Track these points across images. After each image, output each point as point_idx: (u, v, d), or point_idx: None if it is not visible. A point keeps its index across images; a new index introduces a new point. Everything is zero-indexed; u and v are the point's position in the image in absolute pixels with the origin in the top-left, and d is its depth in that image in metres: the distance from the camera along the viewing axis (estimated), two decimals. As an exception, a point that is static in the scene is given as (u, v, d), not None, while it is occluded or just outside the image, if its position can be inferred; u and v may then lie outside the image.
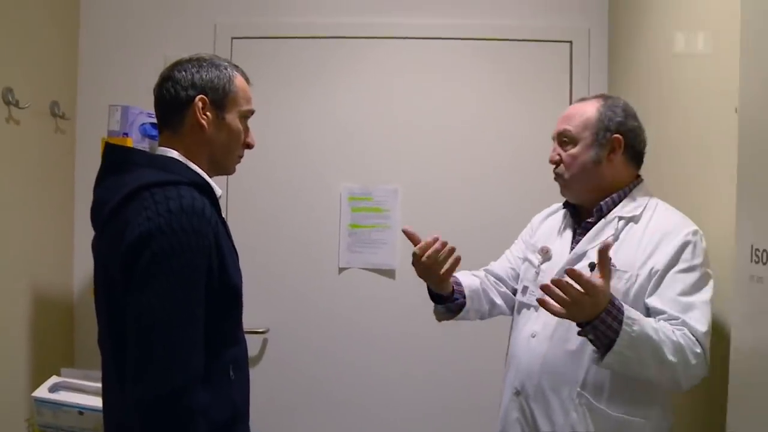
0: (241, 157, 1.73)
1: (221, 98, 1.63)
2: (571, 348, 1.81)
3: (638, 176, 1.96)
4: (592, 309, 1.58)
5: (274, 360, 3.01)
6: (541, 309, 1.67)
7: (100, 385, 1.66)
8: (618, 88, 2.84)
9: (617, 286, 1.75)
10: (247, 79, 1.71)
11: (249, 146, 1.73)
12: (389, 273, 3.00)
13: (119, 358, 1.45)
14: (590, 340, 1.65)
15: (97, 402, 1.85)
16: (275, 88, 3.02)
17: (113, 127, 2.48)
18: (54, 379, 2.23)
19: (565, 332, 1.83)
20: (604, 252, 1.59)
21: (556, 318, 1.67)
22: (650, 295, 1.76)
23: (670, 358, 1.61)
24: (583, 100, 1.99)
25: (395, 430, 2.99)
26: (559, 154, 1.94)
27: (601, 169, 1.89)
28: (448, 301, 2.11)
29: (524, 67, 3.01)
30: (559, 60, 3.00)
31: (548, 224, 2.15)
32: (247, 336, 2.85)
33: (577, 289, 1.56)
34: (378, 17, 3.02)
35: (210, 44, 2.97)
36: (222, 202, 2.90)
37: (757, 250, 1.41)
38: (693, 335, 1.65)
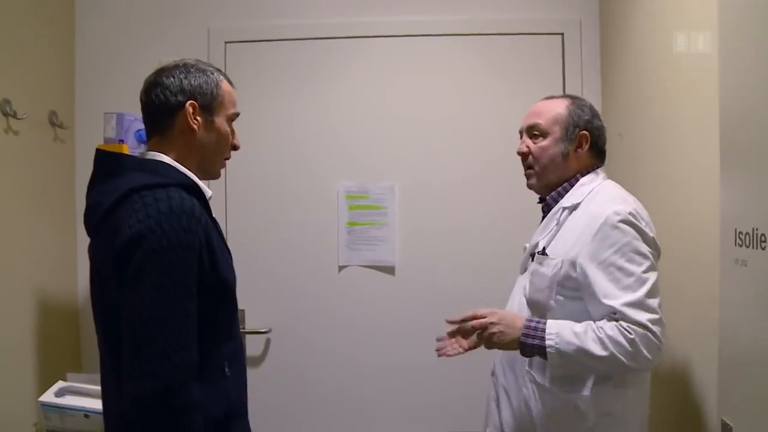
0: (227, 159, 1.77)
1: (210, 102, 1.67)
2: None
3: (595, 167, 2.03)
4: (512, 331, 1.80)
5: (277, 359, 3.04)
6: (512, 294, 2.11)
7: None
8: (611, 79, 2.86)
9: (546, 272, 1.90)
10: (231, 83, 1.74)
11: (235, 148, 1.77)
12: (389, 269, 3.02)
13: (115, 358, 1.49)
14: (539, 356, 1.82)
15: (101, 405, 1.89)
16: (270, 90, 3.05)
17: (109, 134, 2.51)
18: (60, 384, 2.27)
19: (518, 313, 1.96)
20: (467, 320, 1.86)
21: (517, 300, 2.02)
22: (588, 295, 1.82)
23: (601, 353, 1.72)
24: (550, 98, 2.09)
25: (398, 427, 3.01)
26: (528, 146, 2.04)
27: (568, 162, 2.00)
28: None
29: (516, 60, 3.02)
30: (551, 53, 3.01)
31: None
32: (249, 336, 3.02)
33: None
34: (369, 17, 3.04)
35: (204, 49, 3.00)
36: (220, 204, 3.01)
37: (740, 233, 1.44)
38: (627, 323, 1.72)
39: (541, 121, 2.01)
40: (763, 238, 1.35)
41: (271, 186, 3.06)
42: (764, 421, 1.37)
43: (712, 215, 1.68)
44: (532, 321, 1.82)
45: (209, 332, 1.55)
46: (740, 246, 1.44)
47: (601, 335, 1.72)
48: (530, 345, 1.78)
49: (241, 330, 2.90)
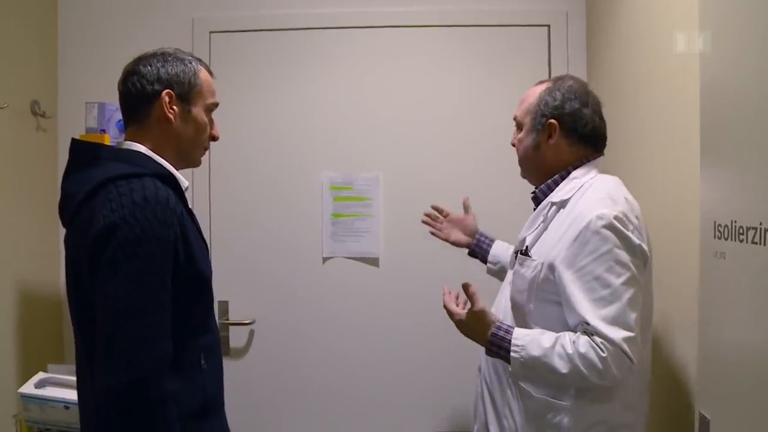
0: (206, 149, 1.75)
1: (187, 92, 1.66)
2: None
3: (590, 156, 1.92)
4: (478, 336, 1.81)
5: (261, 351, 3.03)
6: (501, 288, 2.05)
7: (81, 379, 1.68)
8: (597, 71, 2.85)
9: (526, 273, 1.84)
10: (210, 72, 1.73)
11: (214, 138, 1.76)
12: (373, 261, 3.02)
13: (89, 349, 1.47)
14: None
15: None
16: (255, 80, 3.03)
17: (90, 123, 2.49)
18: (40, 375, 2.26)
19: (500, 312, 1.94)
20: (466, 291, 1.82)
21: (505, 297, 1.97)
22: (563, 302, 1.74)
23: (564, 370, 1.66)
24: (540, 83, 2.00)
25: (384, 421, 3.01)
26: (514, 138, 2.02)
27: (542, 153, 1.92)
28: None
29: (502, 52, 3.01)
30: (538, 44, 3.00)
31: None
32: (233, 328, 3.01)
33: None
34: (354, 7, 3.03)
35: (188, 39, 2.97)
36: (204, 195, 3.00)
37: (719, 225, 1.43)
38: (600, 338, 1.63)
39: (518, 113, 1.98)
40: (741, 231, 1.34)
41: (255, 177, 3.04)
42: (742, 414, 1.37)
43: (694, 208, 1.67)
44: (500, 329, 1.77)
45: (185, 324, 1.54)
46: (719, 238, 1.43)
47: (570, 351, 1.65)
48: (495, 352, 1.77)
49: (225, 321, 2.97)
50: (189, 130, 1.67)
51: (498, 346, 1.75)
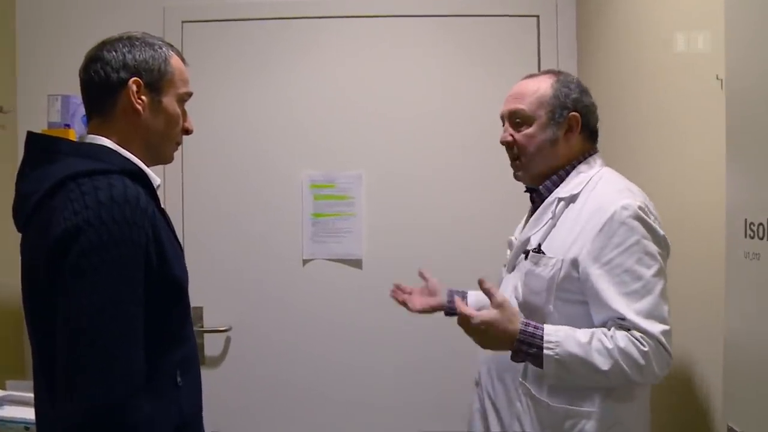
0: (179, 143, 1.60)
1: (157, 80, 1.50)
2: None
3: (589, 151, 1.84)
4: (503, 336, 1.61)
5: (237, 359, 2.89)
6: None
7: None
8: (588, 63, 2.76)
9: (543, 273, 1.72)
10: (183, 60, 1.57)
11: (187, 132, 1.60)
12: (355, 263, 2.89)
13: (48, 371, 1.30)
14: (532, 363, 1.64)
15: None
16: (229, 72, 2.89)
17: (53, 118, 2.31)
18: (-1, 393, 2.09)
19: None
20: (481, 285, 1.65)
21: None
22: (591, 299, 1.65)
23: (606, 367, 1.55)
24: (531, 76, 1.88)
25: (366, 426, 2.88)
26: (511, 135, 1.83)
27: (558, 150, 1.80)
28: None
29: (490, 43, 2.90)
30: (526, 35, 2.90)
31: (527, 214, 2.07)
32: (208, 335, 2.85)
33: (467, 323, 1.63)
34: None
35: (159, 28, 2.80)
36: (177, 195, 2.84)
37: (752, 224, 1.31)
38: (639, 333, 1.56)
39: (523, 106, 1.80)
40: (780, 229, 1.22)
41: (231, 174, 2.90)
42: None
43: (716, 205, 1.56)
44: (529, 325, 1.61)
45: (158, 338, 1.38)
46: (752, 238, 1.30)
47: (609, 346, 1.56)
48: (525, 352, 1.60)
49: (200, 328, 2.84)
50: (159, 123, 1.51)
51: (529, 344, 1.59)
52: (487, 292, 1.63)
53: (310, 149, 2.90)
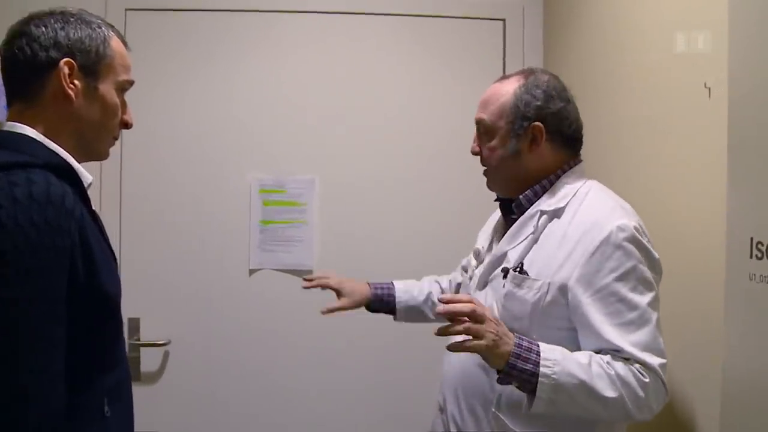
0: (116, 138, 1.41)
1: (94, 63, 1.31)
2: (483, 361, 1.49)
3: (572, 160, 1.69)
4: (497, 347, 1.39)
5: (176, 375, 2.68)
6: None
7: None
8: (556, 68, 2.63)
9: (526, 296, 1.56)
10: (125, 43, 1.38)
11: (127, 125, 1.41)
12: (306, 274, 2.62)
13: None
14: (517, 387, 1.46)
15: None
16: (175, 65, 2.68)
17: (-28, 106, 2.08)
18: None
19: None
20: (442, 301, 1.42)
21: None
22: (581, 328, 1.50)
23: (610, 394, 1.40)
24: (503, 78, 1.72)
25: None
26: (479, 146, 1.70)
27: (522, 163, 1.65)
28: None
29: (454, 46, 2.77)
30: (492, 39, 2.78)
31: (491, 221, 1.91)
32: (145, 349, 2.61)
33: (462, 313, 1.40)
34: (291, -12, 2.72)
35: (100, 16, 2.57)
36: (114, 198, 2.61)
37: (759, 243, 1.18)
38: (638, 364, 1.43)
39: (485, 116, 1.66)
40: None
41: (173, 176, 2.69)
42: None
43: (710, 222, 1.44)
44: (523, 340, 1.43)
45: (83, 362, 1.19)
46: (759, 258, 1.18)
47: (610, 372, 1.41)
48: (519, 369, 1.39)
49: (136, 341, 2.63)
50: (94, 112, 1.32)
51: (524, 360, 1.40)
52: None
53: (259, 151, 2.72)
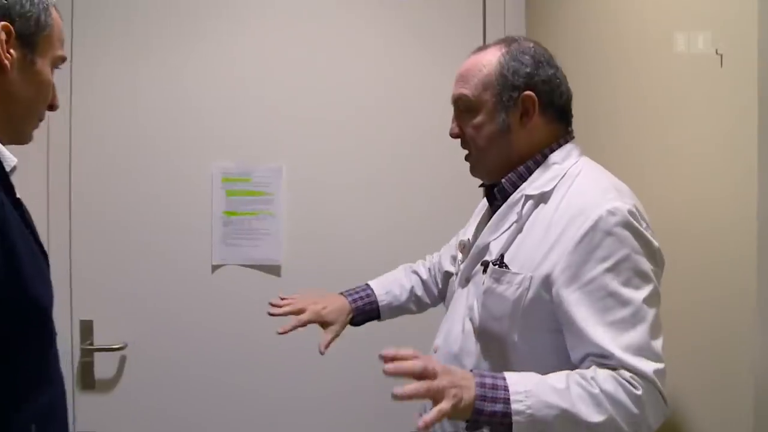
0: (41, 120, 1.24)
1: (33, 34, 1.16)
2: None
3: (563, 136, 1.52)
4: (460, 400, 1.17)
5: (134, 382, 2.49)
6: (448, 315, 1.59)
7: None
8: (538, 34, 2.48)
9: (506, 293, 1.39)
10: (60, 16, 1.22)
11: (53, 107, 1.26)
12: (273, 269, 2.54)
13: None
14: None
15: None
16: (128, 43, 2.47)
17: None
18: None
19: (450, 356, 1.49)
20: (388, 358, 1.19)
21: (459, 327, 1.50)
22: (565, 328, 1.32)
23: (597, 419, 1.20)
24: (482, 49, 1.54)
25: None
26: (459, 126, 1.52)
27: (514, 138, 1.47)
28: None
29: (430, 12, 2.59)
30: (470, 5, 2.60)
31: (479, 210, 1.74)
32: (100, 354, 2.41)
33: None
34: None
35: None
36: (63, 188, 2.40)
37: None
38: (629, 373, 1.23)
39: (467, 91, 1.47)
40: None
41: (127, 165, 2.48)
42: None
43: (724, 206, 1.27)
44: (485, 377, 1.22)
45: (6, 383, 1.00)
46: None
47: (593, 391, 1.21)
48: (488, 413, 1.19)
49: (89, 346, 2.43)
50: (27, 89, 1.17)
51: (492, 400, 1.19)
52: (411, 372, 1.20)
53: (222, 136, 2.52)
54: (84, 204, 2.45)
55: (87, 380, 2.41)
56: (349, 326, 1.88)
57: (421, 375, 1.16)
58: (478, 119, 1.47)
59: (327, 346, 1.80)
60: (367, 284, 1.95)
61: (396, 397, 1.13)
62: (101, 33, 2.44)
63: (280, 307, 1.86)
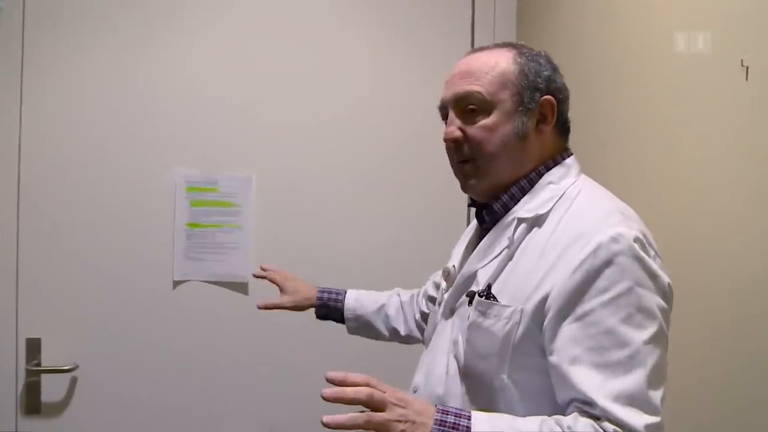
0: None
1: None
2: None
3: (563, 151, 1.38)
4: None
5: (85, 406, 2.32)
6: (430, 348, 1.44)
7: None
8: (531, 39, 2.35)
9: (494, 328, 1.24)
10: None
11: None
12: (240, 287, 2.39)
13: None
14: None
15: None
16: (84, 41, 2.31)
17: None
18: None
19: (433, 396, 1.35)
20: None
21: (443, 364, 1.35)
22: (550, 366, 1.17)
23: None
24: (481, 49, 1.38)
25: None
26: (461, 128, 1.32)
27: (527, 148, 1.32)
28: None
29: (415, 13, 2.48)
30: (459, 4, 2.49)
31: (467, 233, 1.58)
32: (48, 376, 2.37)
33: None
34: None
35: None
36: (11, 196, 2.22)
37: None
38: (613, 426, 1.08)
39: (479, 87, 1.30)
40: None
41: (80, 173, 2.32)
42: None
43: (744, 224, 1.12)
44: (448, 414, 1.11)
45: None
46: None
47: None
48: None
49: (35, 367, 2.27)
50: None
51: None
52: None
53: (186, 142, 2.36)
54: (33, 213, 2.29)
55: (32, 404, 2.25)
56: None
57: (365, 404, 1.06)
58: (491, 120, 1.30)
59: (265, 306, 1.88)
60: (345, 289, 1.94)
61: (325, 425, 1.04)
62: (53, 32, 2.29)
63: (266, 271, 1.95)
